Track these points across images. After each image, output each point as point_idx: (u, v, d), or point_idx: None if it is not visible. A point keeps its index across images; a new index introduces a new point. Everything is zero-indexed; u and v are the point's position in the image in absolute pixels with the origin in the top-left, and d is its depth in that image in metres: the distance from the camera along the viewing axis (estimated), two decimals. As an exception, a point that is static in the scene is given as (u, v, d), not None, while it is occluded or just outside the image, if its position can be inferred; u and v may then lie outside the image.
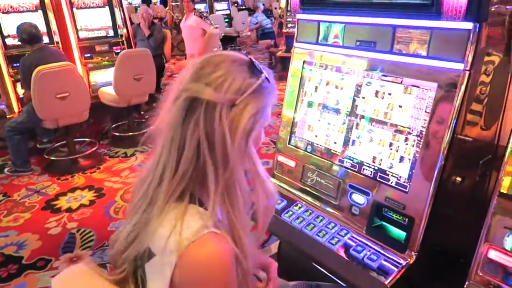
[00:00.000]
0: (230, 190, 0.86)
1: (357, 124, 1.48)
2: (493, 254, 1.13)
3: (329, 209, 1.54)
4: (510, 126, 1.49)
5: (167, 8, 10.84)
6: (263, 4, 9.22)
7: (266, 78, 0.88)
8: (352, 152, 1.50)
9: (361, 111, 1.47)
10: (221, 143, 0.82)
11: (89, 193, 3.59)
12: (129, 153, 4.41)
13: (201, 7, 9.48)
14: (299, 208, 1.58)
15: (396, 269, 1.27)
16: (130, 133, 4.71)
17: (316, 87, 1.63)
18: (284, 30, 7.17)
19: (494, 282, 1.13)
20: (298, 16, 1.65)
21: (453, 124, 1.22)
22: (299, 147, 1.69)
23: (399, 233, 1.35)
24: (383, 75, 1.40)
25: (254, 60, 0.89)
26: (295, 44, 1.70)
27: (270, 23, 8.23)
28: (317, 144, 1.62)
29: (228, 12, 10.05)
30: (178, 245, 0.80)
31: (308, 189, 1.63)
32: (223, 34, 6.97)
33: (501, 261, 1.12)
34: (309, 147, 1.66)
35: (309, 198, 1.62)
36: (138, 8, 9.15)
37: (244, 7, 12.73)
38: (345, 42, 1.51)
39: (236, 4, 12.40)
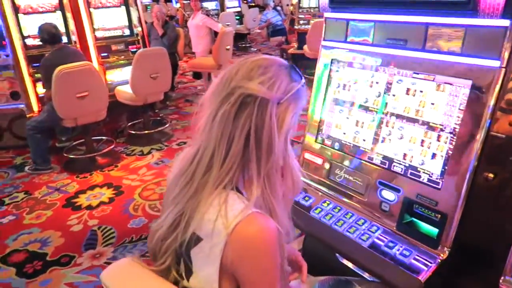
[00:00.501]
0: (270, 179, 0.94)
1: (387, 122, 1.49)
2: (529, 250, 1.14)
3: (358, 205, 1.56)
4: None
5: (178, 5, 10.89)
6: (273, 1, 9.20)
7: (304, 83, 0.99)
8: (381, 149, 1.51)
9: (391, 109, 1.48)
10: (268, 137, 0.90)
11: (108, 191, 3.64)
12: (145, 151, 4.46)
13: (212, 4, 9.52)
14: (328, 205, 1.60)
15: (430, 265, 1.28)
16: (146, 131, 4.77)
17: (345, 85, 1.64)
18: (296, 27, 7.16)
19: (531, 277, 1.14)
20: (326, 14, 1.66)
21: (488, 122, 1.23)
22: (327, 145, 1.71)
23: (431, 230, 1.36)
24: (414, 73, 1.41)
25: (294, 66, 0.99)
26: (322, 42, 1.71)
27: (280, 20, 8.22)
28: (345, 142, 1.64)
29: (239, 9, 10.06)
30: (226, 226, 0.86)
31: (336, 186, 1.65)
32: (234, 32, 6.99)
33: (538, 257, 1.13)
34: (336, 144, 1.67)
35: (337, 195, 1.63)
36: (148, 7, 9.19)
37: (253, 4, 12.73)
38: (375, 40, 1.52)
39: (246, 1, 12.40)
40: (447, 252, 1.31)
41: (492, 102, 1.22)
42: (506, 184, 1.51)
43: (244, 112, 0.89)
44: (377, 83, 1.53)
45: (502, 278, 1.19)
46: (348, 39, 1.61)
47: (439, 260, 1.30)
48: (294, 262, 1.31)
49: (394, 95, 1.47)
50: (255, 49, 10.04)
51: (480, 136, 1.25)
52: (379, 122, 1.52)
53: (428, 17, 1.33)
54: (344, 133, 1.64)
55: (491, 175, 1.36)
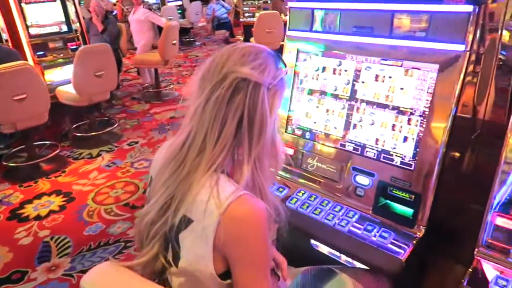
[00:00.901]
0: (260, 160, 0.97)
1: (358, 108, 1.52)
2: (500, 221, 1.22)
3: (333, 192, 1.58)
4: (492, 102, 1.60)
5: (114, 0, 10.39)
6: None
7: (287, 70, 1.05)
8: (353, 136, 1.54)
9: (361, 95, 1.51)
10: (260, 119, 0.94)
11: (57, 199, 3.41)
12: (94, 153, 4.23)
13: (152, -2, 9.20)
14: (303, 194, 1.60)
15: (408, 244, 1.33)
16: (93, 133, 4.53)
17: (313, 74, 1.65)
18: (241, 20, 7.13)
19: (502, 246, 1.21)
20: (291, 4, 1.65)
21: (455, 103, 1.29)
22: (297, 134, 1.71)
23: (406, 210, 1.41)
24: (382, 59, 1.44)
25: (279, 54, 1.03)
26: (287, 32, 1.70)
27: (225, 12, 8.14)
28: (317, 130, 1.65)
29: (180, 3, 9.80)
30: (219, 206, 0.89)
31: (309, 175, 1.66)
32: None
33: (508, 227, 1.21)
34: (307, 133, 1.68)
35: (311, 184, 1.64)
36: (82, 2, 8.67)
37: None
38: (341, 28, 1.54)
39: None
40: (423, 231, 1.36)
41: (458, 84, 1.28)
42: (469, 162, 1.60)
43: (238, 96, 0.92)
44: (345, 71, 1.55)
45: (476, 250, 1.26)
46: (314, 28, 1.62)
47: (417, 239, 1.35)
48: (273, 260, 1.30)
49: (363, 82, 1.50)
50: (200, 43, 9.87)
51: (448, 118, 1.31)
52: (350, 109, 1.54)
53: (394, 4, 1.36)
54: (315, 122, 1.65)
55: (457, 154, 1.44)
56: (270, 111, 0.96)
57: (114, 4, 10.70)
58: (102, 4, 5.75)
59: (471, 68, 1.36)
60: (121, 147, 4.36)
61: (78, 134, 4.54)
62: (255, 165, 0.96)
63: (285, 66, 1.02)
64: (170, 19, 7.24)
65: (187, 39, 9.62)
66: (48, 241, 2.85)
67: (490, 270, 1.21)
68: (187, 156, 0.95)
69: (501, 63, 1.58)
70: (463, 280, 1.20)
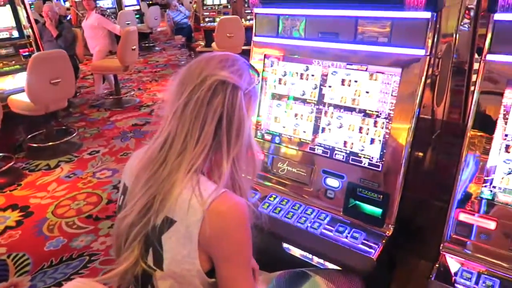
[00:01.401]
0: (238, 161, 1.01)
1: (326, 112, 1.55)
2: (463, 217, 1.28)
3: (304, 196, 1.60)
4: (448, 103, 1.69)
5: (67, 4, 10.05)
6: (177, 0, 8.98)
7: (259, 80, 1.12)
8: (322, 139, 1.57)
9: (328, 99, 1.54)
10: (238, 121, 0.98)
11: (13, 214, 3.22)
12: (53, 164, 4.04)
13: (108, 2, 8.94)
14: (275, 198, 1.61)
15: (379, 243, 1.37)
16: (50, 143, 4.32)
17: (280, 80, 1.66)
18: (201, 25, 7.09)
19: (466, 241, 1.28)
20: (256, 10, 1.66)
21: (418, 105, 1.35)
22: (267, 140, 1.72)
23: (375, 210, 1.45)
24: (348, 64, 1.48)
25: (252, 64, 1.10)
26: (254, 38, 1.71)
27: (185, 17, 8.06)
28: (286, 135, 1.66)
29: (138, 7, 9.61)
30: (202, 203, 0.91)
31: (280, 179, 1.67)
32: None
33: (470, 221, 1.27)
34: (277, 138, 1.69)
35: (282, 188, 1.66)
36: (32, 6, 8.29)
37: (152, 2, 12.27)
38: (307, 34, 1.57)
39: None
40: (392, 229, 1.41)
41: (420, 87, 1.34)
42: (431, 161, 1.68)
43: (217, 97, 0.95)
44: (312, 75, 1.58)
45: (442, 245, 1.32)
46: (280, 34, 1.63)
47: (386, 238, 1.39)
48: None
49: (330, 86, 1.53)
50: (160, 48, 9.72)
51: (412, 119, 1.36)
52: (318, 113, 1.57)
53: (357, 10, 1.41)
54: (284, 127, 1.66)
55: (420, 154, 1.50)
56: (247, 114, 1.01)
57: (68, 9, 10.33)
58: (55, 9, 5.53)
59: (430, 71, 1.43)
60: (81, 156, 4.20)
61: (34, 145, 4.33)
62: (234, 166, 1.00)
63: (258, 75, 1.08)
64: (128, 24, 7.09)
65: (147, 44, 9.44)
66: (5, 259, 2.69)
67: (455, 264, 1.26)
68: (167, 156, 0.96)
69: (454, 65, 1.67)
70: (431, 276, 1.24)
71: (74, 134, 4.57)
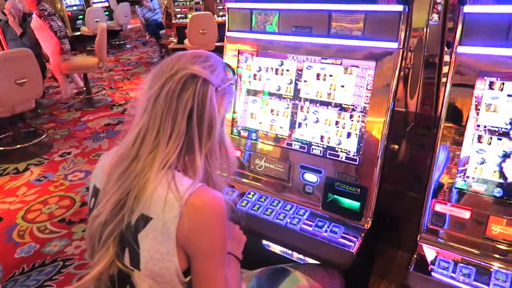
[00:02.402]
0: (211, 157, 1.01)
1: (302, 107, 1.54)
2: (438, 207, 1.30)
3: (283, 192, 1.59)
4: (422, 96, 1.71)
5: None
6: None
7: (236, 79, 1.11)
8: (299, 134, 1.56)
9: (304, 94, 1.54)
10: (209, 117, 0.96)
11: (-20, 221, 3.08)
12: (21, 168, 3.89)
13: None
14: (253, 195, 1.60)
15: (358, 237, 1.38)
16: (18, 146, 4.17)
17: (255, 75, 1.64)
18: (173, 21, 6.97)
19: (442, 231, 1.30)
20: (229, 5, 1.63)
21: (392, 98, 1.35)
22: (243, 136, 1.70)
23: (353, 203, 1.46)
24: (322, 58, 1.48)
25: (228, 64, 1.09)
26: (227, 33, 1.68)
27: (157, 13, 7.89)
28: (262, 131, 1.65)
29: (107, 4, 9.35)
30: (179, 198, 0.89)
31: (258, 176, 1.65)
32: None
33: (445, 212, 1.29)
34: (253, 134, 1.67)
35: (260, 185, 1.64)
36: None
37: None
38: (280, 29, 1.55)
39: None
40: (370, 222, 1.42)
41: (394, 80, 1.34)
42: (406, 153, 1.70)
43: (188, 91, 0.94)
44: (287, 70, 1.56)
45: (419, 236, 1.34)
46: (254, 29, 1.61)
47: (365, 231, 1.40)
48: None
49: (305, 81, 1.53)
50: (131, 46, 9.50)
51: (387, 112, 1.37)
52: (294, 108, 1.56)
53: (330, 4, 1.40)
54: (260, 123, 1.65)
55: (395, 146, 1.51)
56: (218, 110, 0.99)
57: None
58: (18, 6, 5.32)
59: (403, 64, 1.44)
60: (52, 159, 4.06)
61: (1, 148, 4.16)
62: (207, 162, 0.99)
63: (234, 74, 1.08)
64: (96, 21, 6.89)
65: (117, 42, 9.21)
66: (-27, 269, 2.57)
67: (432, 254, 1.29)
68: (139, 151, 0.95)
69: (425, 58, 1.70)
70: (409, 266, 1.26)
71: (44, 136, 4.42)
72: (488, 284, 1.16)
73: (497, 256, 1.22)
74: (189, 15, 6.57)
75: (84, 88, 5.73)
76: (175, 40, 7.05)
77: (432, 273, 1.22)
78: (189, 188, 0.91)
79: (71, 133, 4.66)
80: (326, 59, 1.47)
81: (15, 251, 2.72)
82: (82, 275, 2.42)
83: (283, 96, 1.58)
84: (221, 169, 1.07)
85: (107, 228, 0.95)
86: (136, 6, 8.42)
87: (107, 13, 8.98)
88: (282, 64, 1.58)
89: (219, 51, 1.71)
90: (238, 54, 1.67)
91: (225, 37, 1.70)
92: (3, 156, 4.09)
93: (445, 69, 1.63)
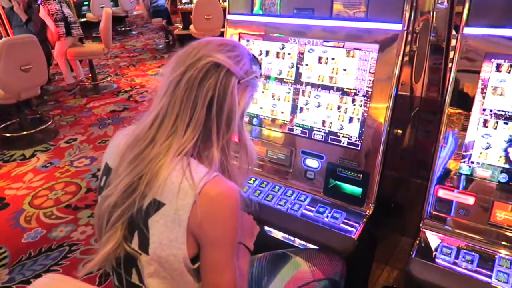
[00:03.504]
0: (229, 147, 1.00)
1: (303, 91, 1.52)
2: (442, 193, 1.28)
3: (284, 177, 1.57)
4: (427, 80, 1.67)
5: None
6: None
7: (261, 74, 1.08)
8: (301, 119, 1.53)
9: (306, 78, 1.51)
10: (228, 108, 0.94)
11: (-12, 206, 3.13)
12: (28, 154, 3.92)
13: (80, -15, 8.62)
14: (254, 181, 1.58)
15: (359, 223, 1.36)
16: (25, 132, 4.20)
17: (256, 59, 1.61)
18: (178, 7, 6.90)
19: (445, 217, 1.28)
20: (229, -14, 1.60)
21: (396, 82, 1.32)
22: (244, 121, 1.67)
23: (355, 189, 1.44)
24: (324, 41, 1.44)
25: (256, 57, 1.07)
26: (228, 16, 1.65)
27: (162, -1, 7.82)
28: (264, 116, 1.62)
29: (113, -10, 9.30)
30: (193, 186, 0.88)
31: (259, 161, 1.63)
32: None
33: (449, 198, 1.27)
34: (254, 120, 1.65)
35: (261, 170, 1.63)
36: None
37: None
38: (282, 11, 1.51)
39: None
40: (372, 208, 1.40)
41: (398, 63, 1.31)
42: (410, 139, 1.67)
43: (209, 79, 0.92)
44: (289, 54, 1.53)
45: (422, 222, 1.32)
46: (255, 11, 1.58)
47: (367, 217, 1.38)
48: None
49: (307, 65, 1.49)
50: (136, 32, 9.45)
51: (390, 97, 1.34)
52: (295, 93, 1.53)
53: (333, -16, 1.36)
54: (261, 108, 1.62)
55: (399, 131, 1.48)
56: (239, 103, 0.97)
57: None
58: (23, -8, 5.28)
59: (408, 47, 1.40)
60: (58, 145, 4.09)
61: (7, 135, 4.20)
62: (224, 154, 0.99)
63: (260, 68, 1.06)
64: (102, 7, 6.85)
65: (123, 29, 9.17)
66: (-19, 253, 2.61)
67: (435, 240, 1.27)
68: (156, 135, 0.94)
69: (432, 42, 1.65)
70: (411, 252, 1.24)
71: (50, 123, 4.44)
72: (491, 270, 1.14)
73: (502, 242, 1.20)
74: (194, 1, 6.50)
75: (82, 78, 5.69)
76: (181, 26, 6.98)
77: (435, 260, 1.21)
78: (204, 177, 0.90)
79: (77, 120, 4.68)
80: (328, 42, 1.43)
81: (22, 236, 2.76)
82: (88, 260, 2.45)
83: (285, 80, 1.55)
84: (241, 162, 1.07)
85: (116, 210, 0.94)
86: None
87: (112, -1, 8.92)
88: (283, 47, 1.54)
89: (224, 36, 1.69)
90: (239, 38, 1.64)
91: (225, 20, 1.67)
92: (10, 143, 4.13)
93: (452, 54, 1.59)
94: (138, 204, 0.92)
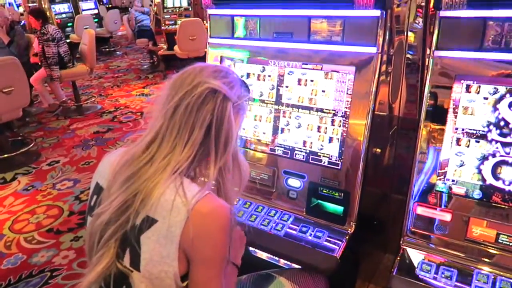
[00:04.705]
0: (225, 168, 1.03)
1: (284, 112, 1.55)
2: (420, 210, 1.31)
3: (267, 197, 1.58)
4: (404, 99, 1.73)
5: (20, 9, 9.66)
6: (140, 2, 8.77)
7: (250, 96, 1.16)
8: (282, 140, 1.56)
9: (286, 100, 1.54)
10: (226, 131, 0.99)
11: (-34, 231, 3.04)
12: (9, 177, 3.84)
13: (64, 7, 8.65)
14: (238, 201, 1.59)
15: (342, 241, 1.38)
16: (5, 155, 4.12)
17: (238, 81, 1.64)
18: (163, 28, 6.96)
19: (424, 234, 1.30)
20: (210, 11, 1.64)
21: (373, 102, 1.36)
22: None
23: (336, 208, 1.46)
24: (303, 64, 1.48)
25: (244, 81, 1.12)
26: (209, 40, 1.68)
27: (147, 19, 7.87)
28: (246, 137, 1.65)
29: (96, 11, 9.33)
30: (186, 203, 0.90)
31: (242, 182, 1.65)
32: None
33: (427, 215, 1.30)
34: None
35: (244, 191, 1.63)
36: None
37: (111, 6, 11.97)
38: (261, 34, 1.55)
39: (101, 3, 11.57)
40: (354, 226, 1.42)
41: (374, 84, 1.35)
42: (389, 157, 1.71)
43: (207, 105, 0.96)
44: (269, 76, 1.57)
45: (402, 239, 1.34)
46: (236, 35, 1.62)
47: (348, 235, 1.40)
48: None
49: (287, 87, 1.53)
50: (121, 53, 9.48)
51: (367, 116, 1.38)
52: (276, 113, 1.57)
53: (310, 10, 1.41)
54: (244, 129, 1.65)
55: (378, 150, 1.52)
56: (236, 124, 1.02)
57: (22, 14, 9.92)
58: (6, 14, 5.30)
59: (384, 68, 1.45)
60: (40, 168, 4.02)
61: (-13, 158, 4.11)
62: (220, 175, 1.02)
63: (248, 91, 1.11)
64: (86, 28, 6.87)
65: (107, 49, 9.18)
66: (-42, 282, 2.53)
67: (416, 257, 1.29)
68: (154, 156, 0.96)
69: (409, 62, 1.71)
70: (392, 270, 1.26)
71: (32, 145, 4.37)
72: (470, 285, 1.16)
73: (479, 257, 1.23)
74: (179, 22, 6.58)
75: (65, 99, 5.63)
76: (165, 47, 7.04)
77: (416, 276, 1.23)
78: (197, 194, 0.92)
79: (59, 141, 4.62)
80: (307, 64, 1.48)
81: (2, 262, 2.68)
82: (69, 286, 2.40)
83: (266, 101, 1.59)
84: (233, 182, 1.09)
85: (110, 227, 0.95)
86: (130, 8, 8.38)
87: (96, 20, 8.97)
88: (264, 69, 1.58)
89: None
90: (221, 60, 1.67)
91: (207, 43, 1.70)
92: (-10, 166, 4.05)
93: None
94: (132, 221, 0.93)
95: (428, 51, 1.74)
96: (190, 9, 7.18)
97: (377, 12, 1.29)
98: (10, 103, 3.82)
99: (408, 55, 1.71)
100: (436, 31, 1.22)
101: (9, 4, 11.26)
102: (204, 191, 0.94)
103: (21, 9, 10.46)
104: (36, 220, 3.13)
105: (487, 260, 1.21)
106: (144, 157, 0.97)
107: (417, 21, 1.76)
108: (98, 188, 1.06)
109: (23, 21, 8.28)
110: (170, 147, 0.96)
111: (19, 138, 4.60)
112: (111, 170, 1.01)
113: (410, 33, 1.69)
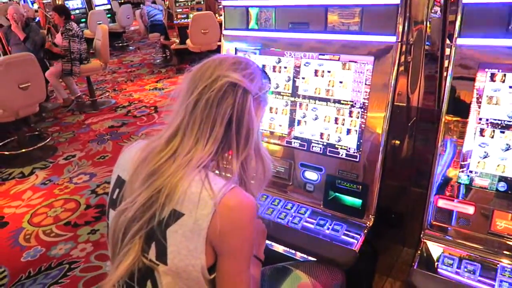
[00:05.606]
0: (247, 162, 1.02)
1: (300, 104, 1.52)
2: (442, 203, 1.28)
3: (283, 190, 1.57)
4: (424, 90, 1.68)
5: (35, 6, 9.76)
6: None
7: (270, 86, 1.11)
8: (299, 132, 1.54)
9: (302, 91, 1.52)
10: (247, 124, 0.98)
11: (-14, 225, 3.10)
12: (27, 172, 3.91)
13: (78, 2, 8.71)
14: (254, 195, 1.58)
15: (360, 235, 1.36)
16: (23, 150, 4.19)
17: (253, 73, 1.62)
18: (175, 22, 6.96)
19: (446, 227, 1.27)
20: (224, 3, 1.62)
21: (392, 93, 1.33)
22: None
23: (354, 201, 1.44)
24: (320, 54, 1.46)
25: (265, 71, 1.12)
26: (224, 31, 1.66)
27: (159, 13, 7.88)
28: (262, 129, 1.63)
29: (109, 6, 9.37)
30: (212, 196, 0.90)
31: (258, 175, 1.63)
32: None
33: (449, 207, 1.27)
34: (253, 133, 1.65)
35: (261, 184, 1.62)
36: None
37: (124, 1, 12.01)
38: (277, 25, 1.53)
39: (114, -2, 11.61)
40: (372, 219, 1.39)
41: (393, 74, 1.32)
42: (408, 148, 1.67)
43: (227, 99, 0.95)
44: (285, 67, 1.55)
45: (422, 232, 1.31)
46: (250, 26, 1.59)
47: (367, 228, 1.38)
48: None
49: (303, 78, 1.51)
50: (134, 48, 9.52)
51: (386, 107, 1.35)
52: (293, 105, 1.54)
53: (327, -2, 1.38)
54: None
55: (397, 142, 1.49)
56: (257, 117, 1.01)
57: (36, 11, 10.03)
58: (21, 10, 5.34)
59: (403, 58, 1.41)
60: (57, 162, 4.08)
61: (6, 153, 4.18)
62: (243, 168, 1.01)
63: (270, 81, 1.09)
64: (99, 23, 6.91)
65: (120, 44, 9.23)
66: (-20, 274, 2.59)
67: (437, 251, 1.26)
68: (177, 150, 0.96)
69: (427, 52, 1.67)
70: (413, 263, 1.24)
71: (48, 140, 4.44)
72: (494, 280, 1.13)
73: (503, 251, 1.19)
74: (191, 15, 6.56)
75: (80, 94, 5.69)
76: (177, 41, 7.04)
77: (437, 270, 1.20)
78: (223, 187, 0.92)
79: (75, 136, 4.68)
80: (323, 55, 1.45)
81: (22, 255, 2.73)
82: (87, 278, 2.43)
83: (282, 93, 1.56)
84: (257, 176, 1.08)
85: (135, 224, 0.95)
86: (142, 5, 8.40)
87: (109, 15, 9.01)
88: (279, 61, 1.56)
89: (220, 50, 1.70)
90: (236, 52, 1.65)
91: (221, 35, 1.68)
92: (8, 161, 4.12)
93: (446, 63, 1.60)
94: (158, 216, 0.93)
95: (448, 41, 1.71)
96: (202, 2, 7.16)
97: (396, 0, 1.25)
98: (27, 99, 3.88)
99: (426, 46, 1.66)
100: (459, 18, 1.18)
101: (24, 0, 11.40)
102: (230, 184, 0.94)
103: (35, 6, 10.56)
104: (54, 213, 3.18)
105: (511, 253, 1.18)
106: (166, 153, 0.96)
107: (434, 11, 1.71)
108: (120, 182, 1.05)
109: (37, 18, 8.35)
110: (192, 143, 0.96)
111: (36, 133, 4.66)
112: (132, 164, 1.01)
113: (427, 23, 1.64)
